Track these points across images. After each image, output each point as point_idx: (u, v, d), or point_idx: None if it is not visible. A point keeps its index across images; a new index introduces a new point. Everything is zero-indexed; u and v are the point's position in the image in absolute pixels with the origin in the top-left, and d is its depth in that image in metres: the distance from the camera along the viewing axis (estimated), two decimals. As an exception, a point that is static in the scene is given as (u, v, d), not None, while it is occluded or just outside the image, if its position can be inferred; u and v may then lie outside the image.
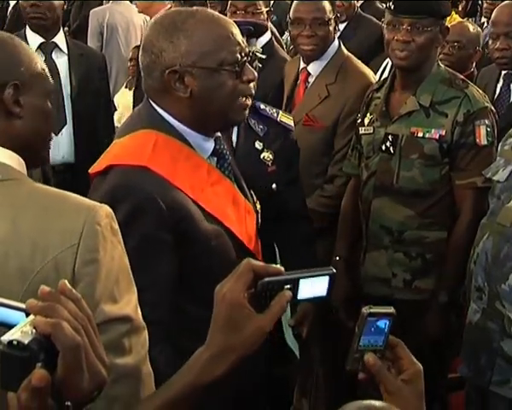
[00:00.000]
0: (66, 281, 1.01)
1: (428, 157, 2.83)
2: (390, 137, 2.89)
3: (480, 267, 2.42)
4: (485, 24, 5.62)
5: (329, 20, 3.30)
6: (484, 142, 2.80)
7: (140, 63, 1.94)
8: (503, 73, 3.82)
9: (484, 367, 2.43)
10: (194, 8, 1.98)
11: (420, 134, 2.84)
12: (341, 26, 5.18)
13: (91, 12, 6.60)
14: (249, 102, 1.96)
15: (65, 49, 3.80)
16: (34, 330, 0.93)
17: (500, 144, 2.65)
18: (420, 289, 2.91)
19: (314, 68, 3.33)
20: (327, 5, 3.31)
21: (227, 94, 1.88)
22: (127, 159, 1.88)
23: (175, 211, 1.82)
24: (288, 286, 1.19)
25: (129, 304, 1.38)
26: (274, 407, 2.42)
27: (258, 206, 2.14)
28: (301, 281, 1.19)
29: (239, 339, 1.18)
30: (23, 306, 0.97)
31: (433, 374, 2.88)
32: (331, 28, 3.31)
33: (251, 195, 2.11)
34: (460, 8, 5.97)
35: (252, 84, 1.94)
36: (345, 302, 3.06)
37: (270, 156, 2.61)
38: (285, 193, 2.63)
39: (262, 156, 2.60)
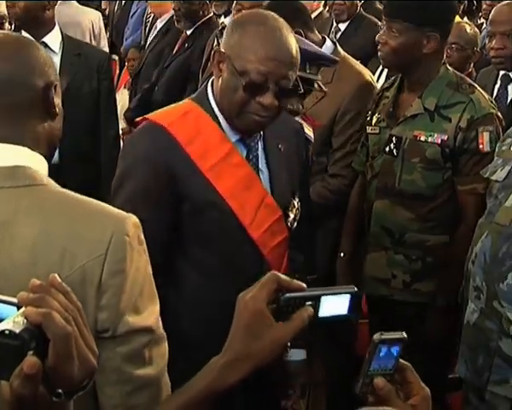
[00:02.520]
0: (57, 275, 1.03)
1: (430, 161, 2.84)
2: (394, 138, 2.90)
3: (479, 267, 2.43)
4: (484, 25, 5.63)
5: None
6: (487, 148, 2.80)
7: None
8: (501, 74, 3.82)
9: (482, 367, 2.44)
10: (270, 13, 2.14)
11: (422, 138, 2.84)
12: (343, 26, 5.20)
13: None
14: (258, 118, 2.04)
15: (57, 50, 3.78)
16: (25, 321, 0.95)
17: (498, 145, 2.66)
18: (419, 291, 2.93)
19: (310, 69, 3.34)
20: None
21: (235, 100, 2.03)
22: (157, 117, 2.14)
23: (173, 171, 2.03)
24: (310, 303, 1.19)
25: (151, 315, 1.39)
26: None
27: (295, 212, 2.25)
28: (323, 298, 1.20)
29: (257, 348, 1.18)
30: (15, 300, 0.99)
31: (433, 374, 2.89)
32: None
33: (292, 198, 2.25)
34: (460, 11, 5.97)
35: (264, 108, 2.01)
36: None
37: None
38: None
39: None
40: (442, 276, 2.86)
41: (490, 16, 3.93)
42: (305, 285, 1.21)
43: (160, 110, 2.22)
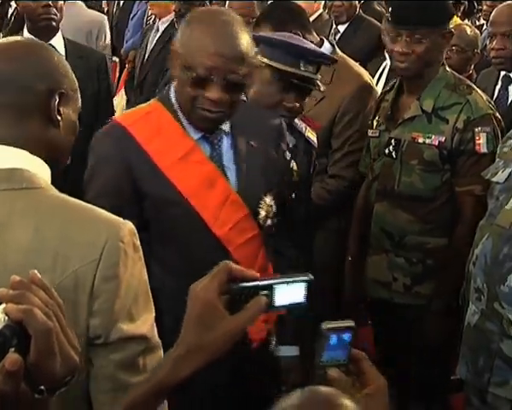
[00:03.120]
0: (36, 271, 1.02)
1: (428, 163, 2.84)
2: (393, 141, 2.90)
3: (479, 269, 2.43)
4: (484, 26, 5.63)
5: None
6: (483, 149, 2.79)
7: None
8: (502, 75, 3.82)
9: (482, 368, 2.44)
10: (222, 9, 2.22)
11: (420, 140, 2.84)
12: (342, 28, 5.19)
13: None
14: (208, 114, 2.06)
15: (63, 52, 3.78)
16: (6, 317, 0.94)
17: (499, 146, 2.65)
18: (420, 294, 2.92)
19: (308, 71, 3.34)
20: None
21: (186, 95, 2.07)
22: (121, 117, 2.26)
23: (132, 170, 2.07)
24: (265, 292, 1.17)
25: (146, 323, 1.38)
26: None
27: (266, 209, 2.22)
28: (276, 287, 1.17)
29: (209, 339, 1.16)
30: None
31: (434, 376, 2.89)
32: None
33: (263, 195, 2.21)
34: (460, 12, 5.97)
35: (211, 102, 2.03)
36: (348, 305, 3.07)
37: (295, 167, 2.72)
38: (296, 202, 2.70)
39: (291, 166, 2.70)
40: (440, 277, 2.86)
41: (490, 17, 3.93)
42: (258, 275, 1.19)
43: (128, 110, 2.28)
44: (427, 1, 2.85)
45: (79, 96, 1.53)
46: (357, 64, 3.41)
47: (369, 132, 3.05)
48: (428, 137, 2.83)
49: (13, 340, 0.93)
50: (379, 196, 2.95)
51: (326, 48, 3.30)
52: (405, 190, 2.87)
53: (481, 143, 2.79)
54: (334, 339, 1.19)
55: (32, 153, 1.40)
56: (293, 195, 2.69)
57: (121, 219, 1.40)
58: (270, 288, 1.17)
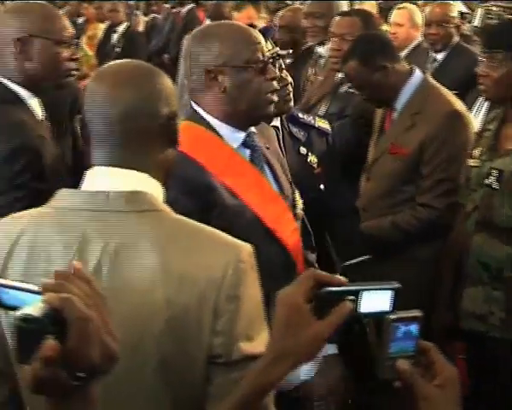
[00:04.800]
0: (78, 262, 1.06)
1: None
2: (495, 171, 2.84)
3: None
4: None
5: None
6: None
7: (182, 70, 2.20)
8: None
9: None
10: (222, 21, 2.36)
11: None
12: (440, 56, 5.13)
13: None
14: (275, 98, 2.22)
15: None
16: (46, 306, 0.98)
17: None
18: None
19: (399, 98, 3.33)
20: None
21: (254, 89, 2.15)
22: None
23: (208, 194, 2.08)
24: (351, 298, 1.18)
25: (262, 343, 1.39)
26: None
27: (300, 205, 2.39)
28: (364, 293, 1.18)
29: (297, 344, 1.17)
30: (36, 288, 1.02)
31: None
32: None
33: (293, 192, 2.38)
34: None
35: (275, 82, 2.20)
36: (440, 336, 3.01)
37: (315, 159, 2.85)
38: (330, 192, 2.81)
39: (309, 160, 2.84)
40: None
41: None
42: (345, 280, 1.20)
43: None
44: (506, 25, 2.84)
45: None
46: (449, 92, 3.36)
47: (470, 162, 2.99)
48: None
49: (51, 327, 0.97)
50: (478, 226, 2.89)
51: (416, 76, 3.30)
52: (505, 222, 2.81)
53: None
54: (401, 330, 1.18)
55: (151, 175, 1.46)
56: (322, 186, 2.80)
57: (241, 241, 1.43)
58: (356, 294, 1.18)
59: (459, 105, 3.31)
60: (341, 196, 2.94)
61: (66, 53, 2.51)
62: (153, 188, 1.46)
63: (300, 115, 2.93)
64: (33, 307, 0.97)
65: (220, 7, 6.87)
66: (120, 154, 1.45)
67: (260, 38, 2.21)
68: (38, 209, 1.48)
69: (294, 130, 2.88)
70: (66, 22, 2.56)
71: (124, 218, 1.40)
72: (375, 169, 3.34)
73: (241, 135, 2.21)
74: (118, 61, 1.60)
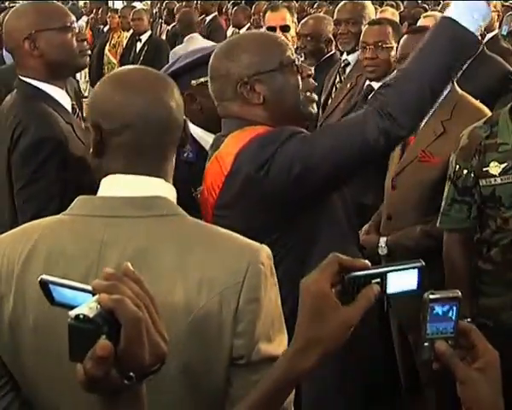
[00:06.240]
0: (130, 264, 1.06)
1: None
2: None
3: None
4: None
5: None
6: None
7: (211, 92, 2.16)
8: None
9: None
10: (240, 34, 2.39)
11: None
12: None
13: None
14: (315, 96, 2.18)
15: None
16: (99, 306, 0.99)
17: None
18: None
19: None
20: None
21: (293, 89, 2.12)
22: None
23: None
24: (376, 280, 1.16)
25: (281, 345, 1.40)
26: None
27: None
28: (389, 275, 1.16)
29: (325, 331, 1.16)
30: (89, 287, 1.03)
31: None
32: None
33: None
34: None
35: (311, 79, 2.16)
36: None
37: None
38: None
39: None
40: None
41: None
42: (368, 263, 1.18)
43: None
44: None
45: None
46: (477, 101, 3.33)
47: (483, 182, 2.80)
48: None
49: (104, 327, 0.98)
50: None
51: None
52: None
53: None
54: (438, 310, 1.16)
55: (166, 180, 1.48)
56: None
57: (258, 244, 1.43)
58: (382, 276, 1.17)
59: (489, 112, 3.25)
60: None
61: (72, 36, 2.63)
62: (168, 192, 1.47)
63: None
64: (87, 307, 0.99)
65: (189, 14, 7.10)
66: (137, 161, 1.46)
67: (285, 39, 2.19)
68: (56, 217, 1.49)
69: None
70: (64, 9, 2.70)
71: (142, 223, 1.40)
72: (403, 178, 3.25)
73: None
74: (131, 68, 1.61)
